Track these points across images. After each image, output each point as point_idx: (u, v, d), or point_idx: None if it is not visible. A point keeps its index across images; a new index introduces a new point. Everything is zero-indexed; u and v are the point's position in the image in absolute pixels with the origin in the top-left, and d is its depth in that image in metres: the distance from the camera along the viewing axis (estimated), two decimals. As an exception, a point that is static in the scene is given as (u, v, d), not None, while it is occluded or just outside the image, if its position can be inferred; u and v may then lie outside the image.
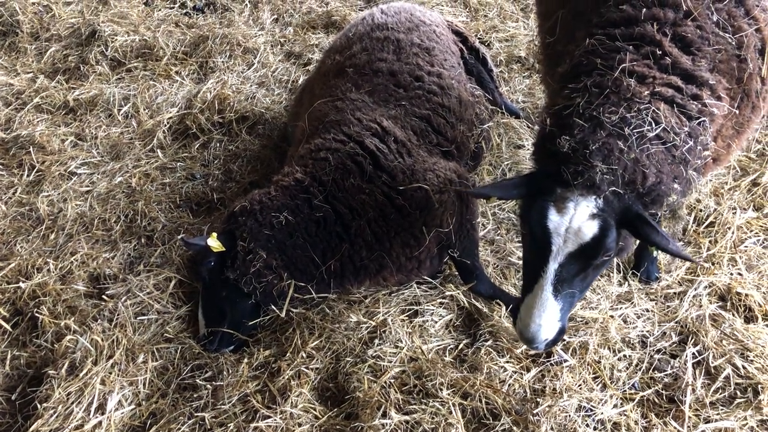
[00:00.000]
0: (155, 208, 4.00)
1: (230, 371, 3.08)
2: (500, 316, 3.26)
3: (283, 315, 3.26)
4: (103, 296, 3.40)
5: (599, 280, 3.51)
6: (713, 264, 3.55)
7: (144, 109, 4.73)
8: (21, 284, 3.51)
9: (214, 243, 3.22)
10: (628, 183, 2.32)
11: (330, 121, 3.57)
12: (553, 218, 2.41)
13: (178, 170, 4.34)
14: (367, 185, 3.28)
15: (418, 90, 3.69)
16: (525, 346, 3.06)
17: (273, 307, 3.31)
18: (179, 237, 3.74)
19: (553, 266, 2.45)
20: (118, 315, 3.27)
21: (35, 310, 3.37)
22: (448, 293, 3.38)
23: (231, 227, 3.31)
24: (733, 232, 3.68)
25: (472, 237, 3.45)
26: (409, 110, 3.62)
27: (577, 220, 2.36)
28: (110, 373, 3.00)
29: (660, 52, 2.47)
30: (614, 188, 2.30)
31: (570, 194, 2.37)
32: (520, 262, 3.62)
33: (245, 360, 3.14)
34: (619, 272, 3.55)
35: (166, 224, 3.91)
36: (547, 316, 2.51)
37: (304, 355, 3.11)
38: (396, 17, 4.04)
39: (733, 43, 2.54)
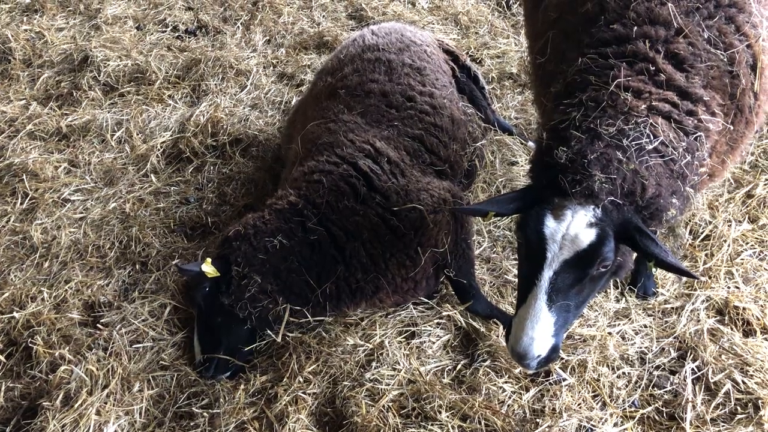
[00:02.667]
0: (149, 234, 3.98)
1: (227, 398, 3.06)
2: (498, 336, 3.24)
3: (279, 340, 3.24)
4: (98, 324, 3.38)
5: (596, 296, 3.49)
6: (710, 278, 3.55)
7: (137, 134, 4.73)
8: (15, 314, 3.49)
9: (208, 268, 3.20)
10: (627, 194, 2.32)
11: (323, 143, 3.57)
12: (550, 224, 2.38)
13: (172, 194, 4.33)
14: (361, 207, 3.28)
15: (410, 110, 3.69)
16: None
17: (269, 331, 3.29)
18: (174, 263, 3.74)
19: (547, 273, 2.40)
20: (113, 343, 3.25)
21: (29, 340, 3.35)
22: (445, 313, 3.37)
23: (225, 252, 3.30)
24: (729, 245, 3.68)
25: (468, 256, 3.44)
26: (402, 130, 3.62)
27: (574, 227, 2.34)
28: (106, 403, 2.97)
29: (654, 69, 2.48)
30: (613, 198, 2.29)
31: (568, 203, 2.35)
32: (517, 279, 3.61)
33: (242, 386, 3.11)
34: (617, 288, 3.54)
35: (161, 249, 3.89)
36: (540, 329, 2.44)
37: (301, 379, 3.09)
38: (387, 38, 4.05)
39: (725, 59, 2.55)
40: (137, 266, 3.81)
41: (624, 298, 3.49)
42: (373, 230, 3.25)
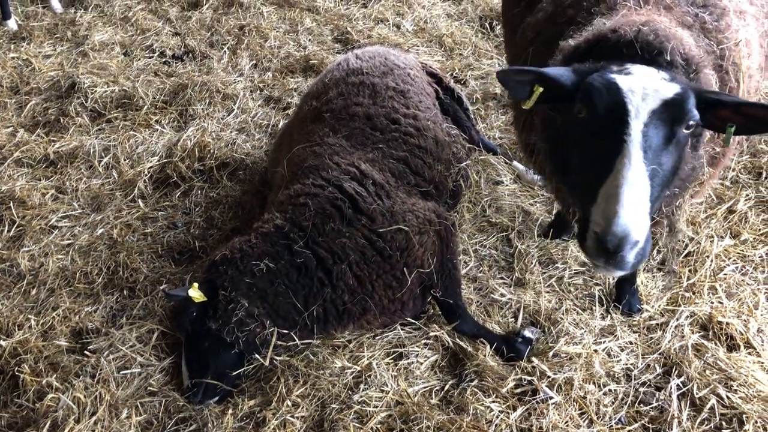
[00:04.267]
0: (137, 259, 3.99)
1: (215, 423, 3.05)
2: (485, 355, 3.26)
3: (267, 363, 3.24)
4: (86, 351, 3.37)
5: (581, 313, 3.53)
6: (694, 293, 3.59)
7: (124, 160, 4.75)
8: (2, 342, 3.47)
9: (195, 293, 3.22)
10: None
11: (308, 166, 3.61)
12: (624, 80, 2.15)
13: (159, 219, 4.34)
14: (347, 229, 3.31)
15: (395, 132, 3.74)
16: (509, 385, 3.07)
17: (257, 355, 3.29)
18: (161, 288, 3.74)
19: (636, 125, 2.09)
20: (100, 370, 3.24)
21: (16, 368, 3.33)
22: (432, 334, 3.38)
23: (212, 276, 3.31)
24: (711, 261, 3.73)
25: (454, 276, 3.47)
26: (387, 152, 3.66)
27: (651, 81, 2.15)
28: (93, 431, 2.96)
29: None
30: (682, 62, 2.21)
31: (636, 65, 2.20)
32: (503, 299, 3.65)
33: (230, 411, 3.11)
34: (602, 305, 3.57)
35: (148, 275, 3.90)
36: (640, 198, 2.04)
37: (289, 403, 3.09)
38: (371, 62, 4.11)
39: (717, 51, 2.53)
40: (125, 292, 3.81)
41: (609, 315, 3.52)
42: (360, 252, 3.28)
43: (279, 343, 3.27)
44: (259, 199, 4.38)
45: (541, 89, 2.26)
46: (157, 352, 3.41)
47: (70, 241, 4.16)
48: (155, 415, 3.13)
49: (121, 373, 3.26)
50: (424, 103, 4.01)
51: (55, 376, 3.24)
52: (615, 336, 3.38)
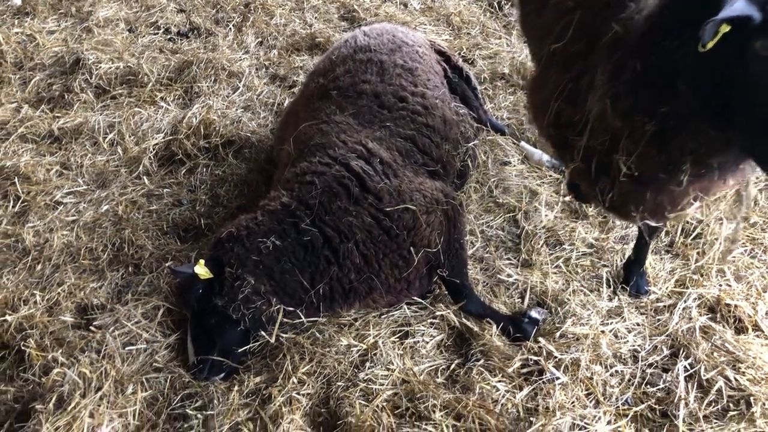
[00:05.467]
0: (142, 236, 3.97)
1: (221, 399, 3.05)
2: (491, 335, 3.25)
3: (272, 341, 3.23)
4: (91, 327, 3.36)
5: (588, 295, 3.51)
6: (702, 276, 3.57)
7: (129, 136, 4.72)
8: (7, 317, 3.47)
9: (201, 270, 3.20)
10: None
11: (315, 144, 3.57)
12: None
13: (164, 197, 4.32)
14: (354, 208, 3.28)
15: (402, 111, 3.70)
16: (515, 365, 3.06)
17: (262, 333, 3.28)
18: (167, 265, 3.73)
19: None
20: (106, 346, 3.24)
21: (22, 343, 3.32)
22: (438, 313, 3.37)
23: (218, 253, 3.30)
24: (720, 243, 3.70)
25: (461, 256, 3.45)
26: (394, 131, 3.63)
27: None
28: (99, 406, 2.96)
29: None
30: None
31: None
32: (510, 279, 3.63)
33: (236, 387, 3.11)
34: (609, 287, 3.55)
35: (154, 252, 3.88)
36: None
37: (295, 380, 3.09)
38: (378, 39, 4.06)
39: None
40: (130, 268, 3.80)
41: (617, 297, 3.50)
42: (366, 231, 3.26)
43: (285, 320, 3.25)
44: (264, 178, 4.35)
45: (728, 27, 2.00)
46: (162, 329, 3.41)
47: (74, 218, 4.15)
48: (161, 391, 3.13)
49: (126, 349, 3.26)
50: (432, 82, 3.96)
51: (60, 351, 3.24)
52: (622, 317, 3.36)
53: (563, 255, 3.78)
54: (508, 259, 3.80)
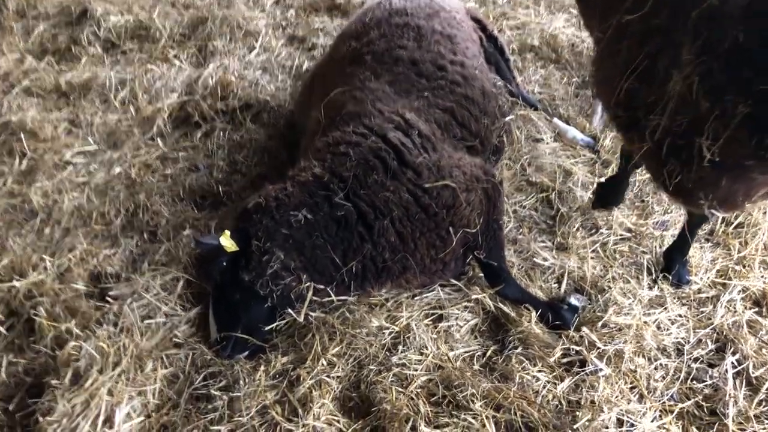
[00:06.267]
0: (157, 201, 3.77)
1: (246, 380, 2.89)
2: (530, 322, 3.10)
3: (301, 319, 3.06)
4: (107, 297, 3.17)
5: (629, 282, 3.37)
6: (744, 267, 3.43)
7: (142, 95, 4.48)
8: (15, 283, 3.27)
9: (227, 242, 3.01)
10: None
11: (349, 112, 3.36)
12: None
13: (180, 161, 4.10)
14: (391, 182, 3.09)
15: (441, 80, 3.49)
16: (556, 355, 2.92)
17: (290, 310, 3.11)
18: (185, 233, 3.54)
19: None
20: (123, 318, 3.05)
21: (32, 311, 3.14)
22: (474, 297, 3.22)
23: (245, 225, 3.10)
24: (764, 233, 3.56)
25: (499, 237, 3.28)
26: (432, 102, 3.42)
27: None
28: (117, 383, 2.79)
29: None
30: None
31: None
32: (546, 263, 3.47)
33: (262, 368, 2.94)
34: (650, 275, 3.41)
35: (170, 219, 3.68)
36: None
37: (324, 362, 2.93)
38: (415, 2, 3.82)
39: None
40: (145, 236, 3.61)
41: (657, 286, 3.36)
42: (403, 208, 3.07)
43: (314, 298, 3.08)
44: (285, 145, 4.15)
45: None
46: (182, 302, 3.22)
47: (85, 179, 3.93)
48: (182, 369, 2.96)
49: (145, 322, 3.07)
50: (470, 50, 3.75)
51: (74, 322, 3.05)
52: (665, 308, 3.22)
53: (600, 239, 3.62)
54: (543, 241, 3.64)
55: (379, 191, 3.08)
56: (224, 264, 3.10)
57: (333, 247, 3.07)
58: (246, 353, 3.03)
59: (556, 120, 4.36)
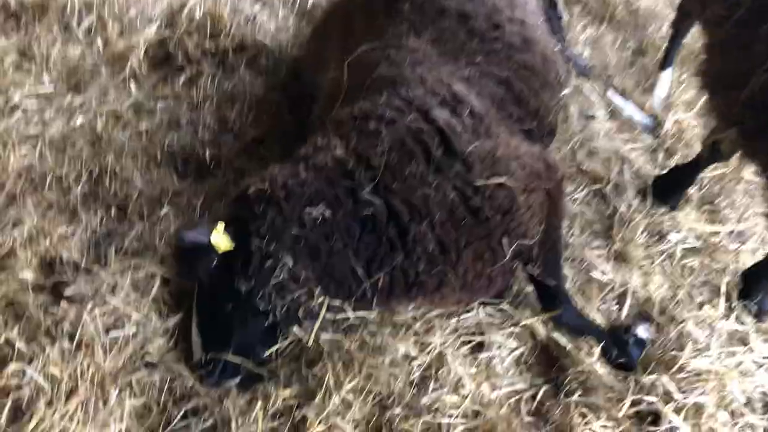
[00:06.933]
0: (129, 166, 3.03)
1: (239, 421, 2.27)
2: (592, 358, 2.52)
3: (310, 342, 2.43)
4: (63, 299, 2.47)
5: (702, 308, 2.80)
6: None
7: (113, 24, 3.63)
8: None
9: (220, 240, 2.33)
10: None
11: (381, 77, 2.65)
12: None
13: (157, 113, 3.34)
14: (433, 176, 2.41)
15: (497, 42, 2.78)
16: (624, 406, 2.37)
17: (296, 329, 2.48)
18: (163, 212, 2.85)
19: None
20: (82, 328, 2.37)
21: (-43, 308, 2.44)
22: (523, 322, 2.61)
23: (242, 216, 2.41)
24: None
25: (557, 249, 2.67)
26: (485, 70, 2.72)
27: None
28: (72, 420, 2.14)
29: None
30: None
31: None
32: (603, 278, 2.88)
33: (259, 403, 2.32)
34: (727, 301, 2.84)
35: (143, 189, 2.96)
36: None
37: (337, 400, 2.32)
38: (465, -63, 3.04)
39: None
40: (112, 211, 2.89)
41: (734, 315, 2.80)
42: (448, 210, 2.40)
43: (326, 315, 2.44)
44: (288, 101, 3.41)
45: None
46: (157, 306, 2.55)
47: (38, 130, 3.15)
48: (155, 399, 2.32)
49: (110, 335, 2.40)
50: (530, 5, 3.02)
51: (16, 330, 2.36)
52: (749, 347, 2.67)
53: (666, 249, 3.03)
54: (598, 247, 3.03)
55: (418, 187, 2.40)
56: (214, 263, 2.43)
57: (355, 255, 2.40)
58: (237, 378, 2.40)
59: (611, 93, 3.69)
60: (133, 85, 3.42)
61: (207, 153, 3.15)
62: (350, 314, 2.48)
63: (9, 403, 2.13)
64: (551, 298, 2.63)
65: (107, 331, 2.40)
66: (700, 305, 2.82)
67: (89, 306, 2.42)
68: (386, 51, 2.72)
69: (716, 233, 3.10)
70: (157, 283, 2.57)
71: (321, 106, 2.89)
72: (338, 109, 2.66)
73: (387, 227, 2.39)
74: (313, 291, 2.38)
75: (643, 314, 2.79)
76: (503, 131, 2.62)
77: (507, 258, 2.48)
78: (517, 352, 2.58)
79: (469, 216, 2.42)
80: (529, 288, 2.75)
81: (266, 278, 2.32)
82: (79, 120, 3.20)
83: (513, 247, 2.47)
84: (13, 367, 2.20)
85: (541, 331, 2.61)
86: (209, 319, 2.45)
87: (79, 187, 2.94)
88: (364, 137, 2.47)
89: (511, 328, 2.61)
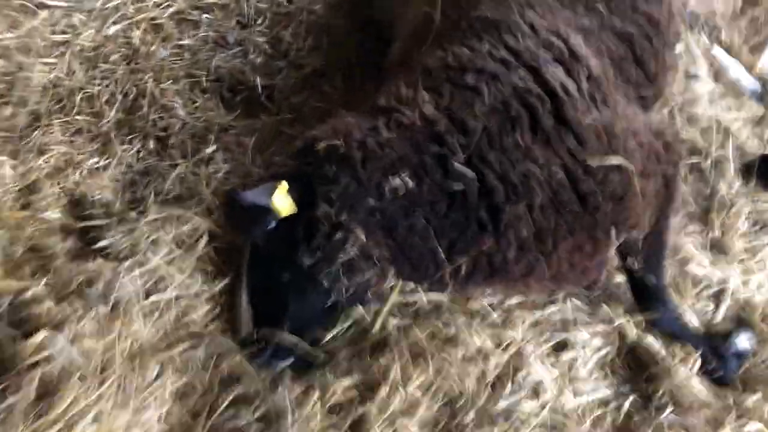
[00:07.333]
0: (170, 90, 2.63)
1: (295, 413, 2.00)
2: (690, 370, 2.23)
3: (377, 329, 2.14)
4: (95, 252, 2.15)
5: None
6: None
7: None
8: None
9: (283, 203, 1.99)
10: None
11: (482, 17, 2.21)
12: None
13: (202, 26, 2.90)
14: (540, 149, 2.03)
15: (622, -12, 2.32)
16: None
17: (361, 309, 2.17)
18: (209, 150, 2.47)
19: None
20: (118, 289, 2.06)
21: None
22: (617, 322, 2.30)
23: (308, 174, 2.05)
24: None
25: (663, 243, 2.32)
26: (607, 22, 2.27)
27: None
28: (108, 402, 1.87)
29: None
30: None
31: None
32: (699, 272, 2.54)
33: (316, 394, 2.05)
34: None
35: (187, 121, 2.58)
36: None
37: (403, 396, 2.05)
38: None
39: None
40: (151, 143, 2.52)
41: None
42: (551, 191, 2.03)
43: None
44: (356, 26, 2.95)
45: None
46: (203, 266, 2.23)
47: (66, 37, 2.72)
48: (200, 379, 2.04)
49: (150, 299, 2.09)
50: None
51: (44, 282, 2.05)
52: None
53: (766, 242, 2.68)
54: (694, 233, 2.68)
55: (520, 161, 2.02)
56: (273, 224, 2.09)
57: (438, 234, 2.05)
58: (290, 361, 2.12)
59: (717, 49, 3.22)
60: (175, -11, 2.95)
61: (258, 82, 2.74)
62: (422, 297, 2.18)
63: (35, 381, 1.84)
64: (650, 297, 2.31)
65: (147, 295, 2.09)
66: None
67: (126, 263, 2.10)
68: (489, -15, 2.26)
69: (826, 228, 2.74)
70: (204, 239, 2.23)
71: (402, 44, 2.46)
72: (427, 52, 2.23)
73: (479, 207, 2.03)
74: (386, 271, 2.06)
75: (742, 317, 2.48)
76: (621, 99, 2.21)
77: (612, 251, 2.15)
78: (602, 353, 2.29)
79: (576, 202, 2.05)
80: (620, 278, 2.42)
81: (334, 253, 1.99)
82: (112, 28, 2.76)
83: (621, 238, 2.13)
84: (42, 335, 1.90)
85: (632, 332, 2.30)
86: (262, 290, 2.14)
87: (113, 111, 2.55)
88: (460, 94, 2.07)
89: (600, 326, 2.30)
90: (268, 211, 1.99)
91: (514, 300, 2.33)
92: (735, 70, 3.16)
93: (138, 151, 2.48)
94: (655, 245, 2.28)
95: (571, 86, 2.07)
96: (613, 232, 2.10)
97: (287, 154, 2.22)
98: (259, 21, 2.94)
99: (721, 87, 3.14)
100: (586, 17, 2.24)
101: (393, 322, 2.16)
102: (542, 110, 2.03)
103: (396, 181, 2.00)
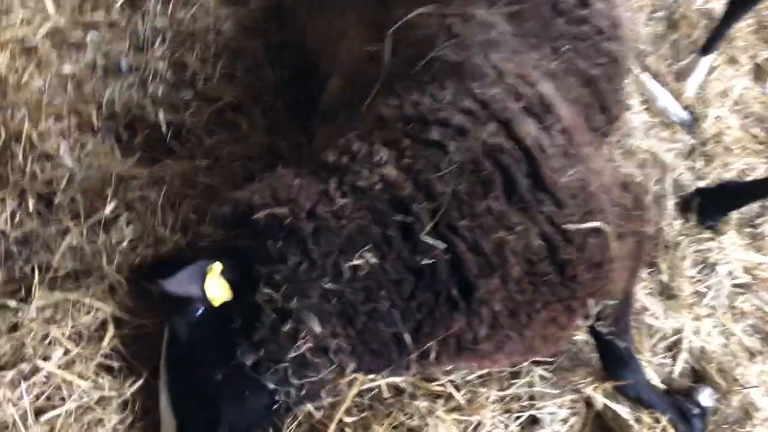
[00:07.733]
0: (52, 132, 2.13)
1: None
2: (658, 435, 2.09)
3: (332, 429, 1.80)
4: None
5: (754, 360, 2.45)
6: None
7: None
8: None
9: (216, 289, 1.62)
10: None
11: (444, 60, 1.91)
12: None
13: (87, 47, 2.39)
14: (516, 215, 1.77)
15: (585, 25, 2.12)
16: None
17: (309, 406, 1.83)
18: (108, 211, 2.00)
19: None
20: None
21: None
22: (585, 392, 2.12)
23: (247, 251, 1.68)
24: None
25: (630, 303, 2.16)
26: (572, 65, 2.06)
27: None
28: None
29: None
30: None
31: None
32: (655, 322, 2.43)
33: None
34: (782, 355, 2.50)
35: (75, 171, 2.09)
36: None
37: None
38: None
39: None
40: (30, 202, 2.01)
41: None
42: (529, 262, 1.79)
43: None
44: (272, 51, 2.56)
45: None
46: (109, 361, 1.78)
47: None
48: None
49: (44, 417, 1.62)
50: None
51: None
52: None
53: (711, 284, 2.62)
54: (643, 278, 2.57)
55: (493, 227, 1.76)
56: (199, 313, 1.71)
57: (404, 317, 1.75)
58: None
59: (645, 76, 3.14)
60: (50, 3, 2.40)
61: (162, 118, 2.29)
62: (382, 383, 1.88)
63: None
64: (620, 363, 2.14)
65: (38, 413, 1.63)
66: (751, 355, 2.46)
67: (9, 377, 1.62)
68: (448, 21, 1.97)
69: (763, 265, 2.73)
70: (110, 330, 1.79)
71: (342, 84, 2.11)
72: (378, 97, 1.91)
73: (448, 282, 1.75)
74: (345, 366, 1.74)
75: (694, 368, 2.39)
76: (589, 150, 2.01)
77: (588, 321, 1.95)
78: (569, 424, 2.10)
79: (555, 272, 1.82)
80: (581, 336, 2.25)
81: (281, 350, 1.64)
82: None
83: (598, 308, 1.93)
84: None
85: (600, 401, 2.13)
86: (187, 392, 1.74)
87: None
88: (423, 151, 1.77)
89: (568, 396, 2.11)
90: (197, 299, 1.61)
91: (476, 373, 2.08)
92: (663, 98, 3.09)
93: (13, 214, 1.96)
94: (624, 307, 2.12)
95: (545, 141, 1.83)
96: (590, 302, 1.90)
97: (213, 220, 1.82)
98: (158, 43, 2.46)
99: (652, 116, 3.07)
100: (552, 60, 2.01)
101: (349, 419, 1.83)
102: (517, 171, 1.77)
103: (356, 259, 1.67)
